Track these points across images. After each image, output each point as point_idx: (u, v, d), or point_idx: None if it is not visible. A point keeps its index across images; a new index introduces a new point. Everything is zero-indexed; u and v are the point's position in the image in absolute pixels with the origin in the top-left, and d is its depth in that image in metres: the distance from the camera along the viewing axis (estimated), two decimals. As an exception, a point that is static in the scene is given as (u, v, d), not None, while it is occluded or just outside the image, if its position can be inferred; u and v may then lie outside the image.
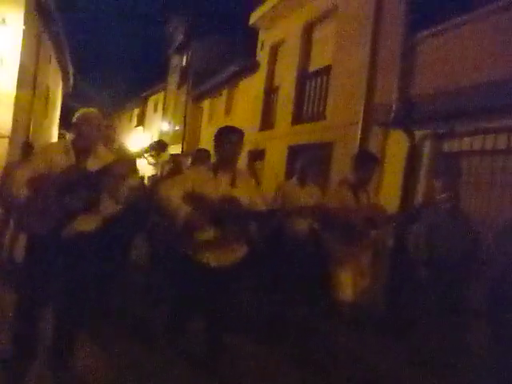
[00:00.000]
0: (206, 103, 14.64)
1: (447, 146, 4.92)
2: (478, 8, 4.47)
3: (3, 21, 9.99)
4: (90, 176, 2.75)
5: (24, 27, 10.59)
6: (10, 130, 9.43)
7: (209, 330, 3.10)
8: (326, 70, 7.58)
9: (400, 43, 5.28)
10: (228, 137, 3.01)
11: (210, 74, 13.20)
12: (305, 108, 8.28)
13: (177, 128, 16.97)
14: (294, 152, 8.26)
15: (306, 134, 7.95)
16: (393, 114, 5.23)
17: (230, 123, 12.13)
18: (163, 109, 19.66)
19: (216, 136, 3.08)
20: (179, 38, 16.60)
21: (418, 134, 5.21)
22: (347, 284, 3.40)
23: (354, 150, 6.13)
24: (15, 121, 9.71)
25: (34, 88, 11.66)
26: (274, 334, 3.91)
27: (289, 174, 8.24)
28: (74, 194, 2.68)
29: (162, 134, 18.83)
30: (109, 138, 4.61)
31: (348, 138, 6.47)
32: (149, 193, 4.28)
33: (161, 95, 20.53)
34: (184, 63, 16.80)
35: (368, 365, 3.67)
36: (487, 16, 4.40)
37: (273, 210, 3.38)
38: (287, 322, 4.05)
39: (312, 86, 8.08)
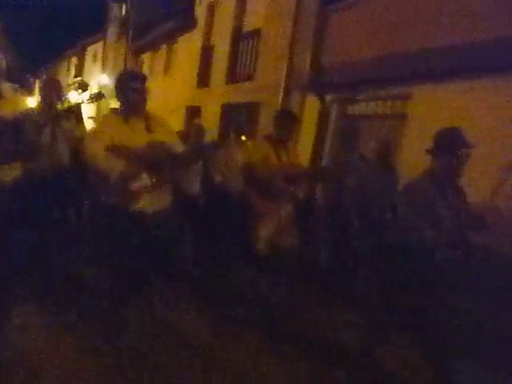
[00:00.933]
0: (146, 57, 14.52)
1: (350, 110, 5.67)
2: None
3: None
4: (6, 122, 2.72)
5: None
6: None
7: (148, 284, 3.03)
8: (257, 33, 8.02)
9: (314, 14, 5.84)
10: (130, 84, 2.83)
11: (151, 27, 13.06)
12: (238, 68, 8.71)
13: (117, 81, 16.69)
14: (227, 110, 8.78)
15: (238, 93, 8.44)
16: (307, 80, 5.86)
17: (169, 78, 12.39)
18: (102, 60, 19.08)
19: (117, 83, 2.92)
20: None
21: (328, 98, 5.92)
22: (265, 237, 3.51)
23: (274, 111, 6.77)
24: None
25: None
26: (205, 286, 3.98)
27: (222, 131, 8.81)
28: None
29: (101, 86, 18.38)
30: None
31: (272, 99, 7.07)
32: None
33: (99, 45, 19.81)
34: (124, 13, 16.31)
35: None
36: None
37: (197, 149, 3.39)
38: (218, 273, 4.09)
39: (245, 47, 8.50)
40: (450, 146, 2.43)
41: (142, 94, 2.87)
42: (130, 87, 2.82)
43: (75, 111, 3.68)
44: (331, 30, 5.80)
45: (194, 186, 4.51)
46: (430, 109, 4.47)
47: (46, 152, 3.51)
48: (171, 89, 11.66)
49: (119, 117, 2.88)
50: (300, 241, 3.65)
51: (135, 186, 2.77)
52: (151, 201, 2.85)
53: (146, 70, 14.46)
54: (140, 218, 2.81)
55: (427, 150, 2.52)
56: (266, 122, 7.30)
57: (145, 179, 2.80)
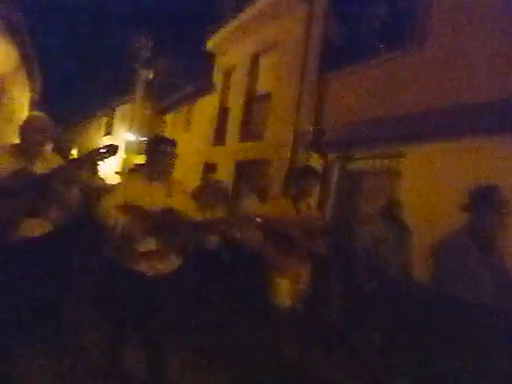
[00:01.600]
0: (169, 117, 15.51)
1: (349, 168, 6.01)
2: (372, 58, 5.60)
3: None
4: (36, 180, 2.72)
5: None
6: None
7: (148, 344, 2.98)
8: (268, 96, 8.64)
9: (316, 80, 6.37)
10: (160, 147, 2.91)
11: (174, 90, 14.10)
12: (250, 128, 9.30)
13: (143, 139, 17.71)
14: (241, 166, 9.26)
15: (251, 151, 8.95)
16: (310, 139, 6.28)
17: (189, 137, 13.21)
18: (130, 119, 20.37)
19: (148, 146, 3.03)
20: (146, 53, 17.45)
21: (331, 156, 6.29)
22: (286, 292, 3.47)
23: (285, 167, 7.19)
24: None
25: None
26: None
27: (236, 186, 9.26)
28: (19, 198, 2.65)
29: (128, 144, 19.50)
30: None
31: (281, 157, 7.50)
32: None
33: (128, 106, 21.23)
34: (150, 77, 17.64)
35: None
36: (377, 65, 5.53)
37: (213, 220, 3.24)
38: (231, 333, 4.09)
39: (256, 108, 9.12)
40: (491, 202, 2.30)
41: (171, 158, 2.90)
42: (160, 150, 2.88)
43: (91, 162, 3.69)
44: (330, 95, 6.29)
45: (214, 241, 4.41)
46: (421, 166, 4.76)
47: (62, 203, 3.40)
48: (190, 146, 12.36)
49: (143, 176, 2.94)
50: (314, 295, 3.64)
51: (140, 248, 2.74)
52: (154, 264, 2.81)
53: (168, 129, 15.42)
54: (140, 279, 2.77)
55: (462, 206, 2.39)
56: (275, 178, 7.71)
57: (151, 243, 2.76)
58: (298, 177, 3.75)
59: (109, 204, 2.77)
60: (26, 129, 2.88)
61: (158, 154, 2.89)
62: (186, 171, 9.94)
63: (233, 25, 9.93)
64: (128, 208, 2.75)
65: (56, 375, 3.09)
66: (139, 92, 19.14)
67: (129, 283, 2.80)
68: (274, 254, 3.52)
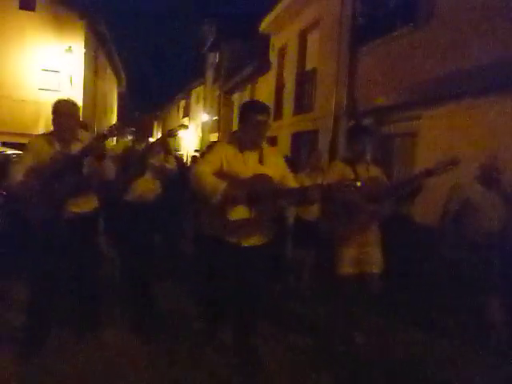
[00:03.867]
0: (235, 96, 16.84)
1: (382, 131, 6.80)
2: (390, 33, 6.27)
3: (70, 49, 12.75)
4: (73, 159, 2.88)
5: (85, 50, 13.35)
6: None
7: (239, 318, 2.98)
8: (314, 71, 9.47)
9: (347, 55, 7.16)
10: (254, 115, 2.77)
11: (238, 71, 15.33)
12: (303, 101, 10.22)
13: (214, 118, 19.36)
14: (295, 138, 10.31)
15: (303, 123, 9.92)
16: (344, 109, 7.14)
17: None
18: (203, 101, 22.14)
19: (243, 111, 2.86)
20: (211, 39, 18.81)
21: (365, 122, 7.10)
22: (349, 260, 3.34)
23: (329, 136, 8.12)
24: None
25: (95, 97, 14.53)
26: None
27: (294, 156, 10.32)
28: (62, 180, 2.84)
29: (203, 123, 21.35)
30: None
31: (326, 126, 8.41)
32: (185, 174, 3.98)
33: (201, 88, 23.01)
34: (217, 61, 19.05)
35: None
36: (394, 39, 6.21)
37: (305, 187, 2.93)
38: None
39: (306, 83, 10.00)
40: None
41: (264, 125, 2.79)
42: (254, 118, 2.76)
43: (162, 144, 3.75)
44: (360, 68, 7.05)
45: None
46: (435, 127, 5.46)
47: (137, 185, 3.61)
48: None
49: (235, 145, 2.83)
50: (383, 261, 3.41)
51: (233, 217, 2.69)
52: (249, 235, 2.76)
53: (236, 107, 16.78)
54: (235, 251, 2.74)
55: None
56: (322, 147, 8.66)
57: (244, 212, 2.71)
58: (351, 137, 3.57)
59: (205, 170, 2.72)
60: (55, 115, 2.97)
61: (252, 121, 2.76)
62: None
63: (281, 5, 10.74)
64: (223, 175, 2.71)
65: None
66: (208, 75, 20.72)
67: (225, 255, 2.77)
68: (336, 222, 3.37)
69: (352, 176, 3.30)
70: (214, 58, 19.75)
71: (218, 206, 2.64)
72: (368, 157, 3.52)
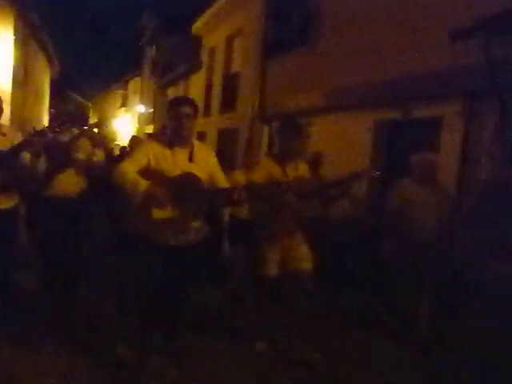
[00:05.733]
0: (170, 91, 17.40)
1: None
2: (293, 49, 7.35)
3: (-2, 36, 12.64)
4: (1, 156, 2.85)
5: (14, 37, 13.27)
6: (8, 121, 12.30)
7: (167, 320, 2.87)
8: (238, 75, 10.41)
9: (260, 65, 8.18)
10: (181, 109, 2.71)
11: (173, 67, 15.90)
12: (228, 101, 11.13)
13: (151, 110, 19.74)
14: (221, 134, 11.23)
15: (227, 121, 10.84)
16: (256, 112, 8.16)
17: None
18: (140, 92, 22.37)
19: (169, 106, 2.79)
20: (149, 32, 19.15)
21: (273, 125, 8.16)
22: (274, 261, 3.26)
23: (247, 134, 9.10)
24: (12, 114, 12.57)
25: (26, 85, 14.43)
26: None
27: (219, 152, 11.22)
28: None
29: (140, 115, 21.63)
30: None
31: (245, 126, 9.38)
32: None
33: (138, 79, 23.20)
34: (154, 55, 19.43)
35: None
36: (297, 55, 7.30)
37: (231, 188, 2.87)
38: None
39: (230, 84, 10.92)
40: None
41: (188, 118, 2.71)
42: (183, 112, 2.69)
43: (89, 136, 3.77)
44: (270, 77, 8.12)
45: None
46: (320, 133, 6.58)
47: (59, 179, 3.58)
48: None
49: (164, 142, 2.76)
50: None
51: (156, 216, 2.61)
52: (176, 233, 2.69)
53: (171, 101, 17.39)
54: (162, 250, 2.66)
55: None
56: (241, 144, 9.63)
57: (168, 211, 2.63)
58: (280, 135, 3.52)
59: (128, 168, 2.64)
60: None
61: (176, 114, 2.70)
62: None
63: (212, 9, 11.54)
64: (149, 172, 2.64)
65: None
66: (145, 68, 21.02)
67: (152, 254, 2.68)
68: (261, 220, 3.30)
69: (280, 174, 3.26)
70: (151, 51, 20.08)
71: (141, 204, 2.58)
72: (298, 155, 3.43)
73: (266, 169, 3.30)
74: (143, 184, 2.55)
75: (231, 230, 4.71)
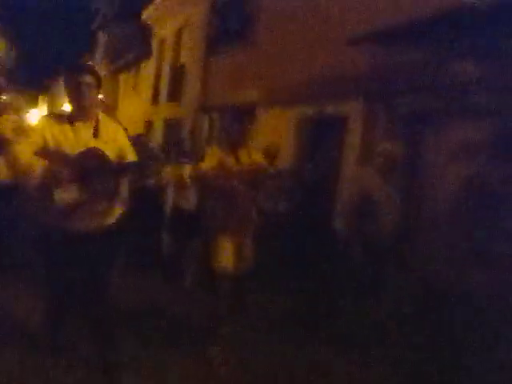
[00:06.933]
0: (122, 77, 17.39)
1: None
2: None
3: None
4: None
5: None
6: None
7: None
8: (183, 66, 10.76)
9: (203, 60, 8.61)
10: (79, 77, 2.38)
11: (124, 54, 15.90)
12: (174, 91, 11.44)
13: (100, 96, 19.56)
14: (167, 123, 11.55)
15: (174, 111, 11.17)
16: (198, 103, 8.61)
17: (136, 96, 15.31)
18: (92, 77, 22.04)
19: (65, 75, 2.46)
20: (101, 17, 18.93)
21: (214, 115, 8.63)
22: (228, 252, 3.18)
23: (189, 125, 9.51)
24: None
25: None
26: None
27: (166, 140, 11.53)
28: None
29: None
30: None
31: (189, 116, 9.78)
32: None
33: (90, 64, 22.82)
34: (105, 40, 19.24)
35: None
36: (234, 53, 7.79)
37: (146, 161, 2.73)
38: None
39: (177, 75, 11.24)
40: None
41: (92, 90, 2.41)
42: (81, 81, 2.38)
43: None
44: (212, 72, 8.60)
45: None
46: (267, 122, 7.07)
47: None
48: (136, 105, 14.47)
49: (63, 117, 2.49)
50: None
51: (60, 200, 2.30)
52: (84, 218, 2.40)
53: (121, 87, 17.36)
54: (75, 239, 2.37)
55: None
56: (185, 135, 10.02)
57: (73, 191, 2.33)
58: (225, 124, 3.98)
59: (22, 149, 2.32)
60: None
61: (73, 83, 2.40)
62: (134, 127, 12.11)
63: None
64: (45, 153, 2.35)
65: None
66: (97, 52, 20.76)
67: (60, 244, 2.41)
68: (213, 209, 3.24)
69: (232, 161, 3.22)
70: (103, 36, 19.85)
71: (41, 188, 2.28)
72: (250, 142, 3.50)
73: (216, 157, 3.28)
74: (39, 165, 2.27)
75: (173, 222, 4.46)
